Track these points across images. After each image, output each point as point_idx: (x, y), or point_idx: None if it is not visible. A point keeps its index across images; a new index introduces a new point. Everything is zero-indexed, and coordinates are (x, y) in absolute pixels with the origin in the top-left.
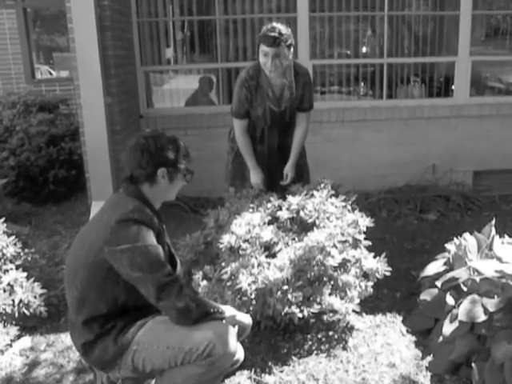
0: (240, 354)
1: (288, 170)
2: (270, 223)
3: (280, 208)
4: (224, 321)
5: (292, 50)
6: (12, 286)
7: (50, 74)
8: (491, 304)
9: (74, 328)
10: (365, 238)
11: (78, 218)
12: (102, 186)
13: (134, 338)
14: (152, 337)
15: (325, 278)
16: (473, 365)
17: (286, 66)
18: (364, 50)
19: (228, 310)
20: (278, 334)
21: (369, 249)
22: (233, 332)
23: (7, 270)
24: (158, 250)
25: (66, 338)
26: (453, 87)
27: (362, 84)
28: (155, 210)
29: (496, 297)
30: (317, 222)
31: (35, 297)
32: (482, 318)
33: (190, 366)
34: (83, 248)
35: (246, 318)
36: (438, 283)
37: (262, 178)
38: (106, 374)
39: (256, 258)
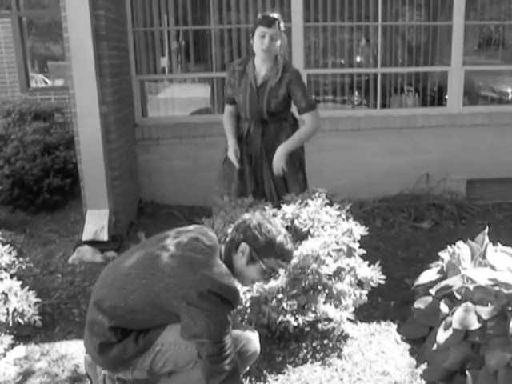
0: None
1: (276, 158)
2: None
3: (275, 217)
4: None
5: (285, 40)
6: (6, 295)
7: (45, 82)
8: (485, 312)
9: (94, 324)
10: (359, 247)
11: (72, 226)
12: (96, 194)
13: (156, 338)
14: (179, 337)
15: (319, 287)
16: (467, 373)
17: (278, 52)
18: (358, 59)
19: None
20: (273, 343)
21: (363, 257)
22: (257, 336)
23: (1, 279)
24: (230, 328)
25: (60, 347)
26: (446, 96)
27: (356, 93)
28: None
29: (489, 305)
30: (311, 231)
31: (29, 306)
32: (475, 325)
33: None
34: (157, 278)
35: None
36: (432, 291)
37: (236, 150)
38: (102, 382)
39: None
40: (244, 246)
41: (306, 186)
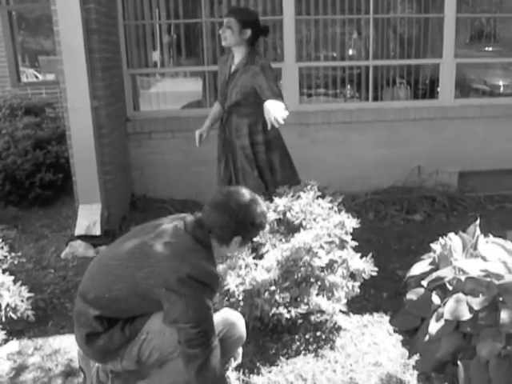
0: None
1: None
2: None
3: (267, 209)
4: None
5: (248, 33)
6: None
7: (36, 77)
8: (476, 302)
9: (81, 315)
10: (351, 239)
11: (65, 221)
12: (88, 189)
13: (142, 327)
14: (162, 324)
15: (312, 279)
16: (459, 363)
17: (234, 43)
18: (350, 52)
19: None
20: (266, 335)
21: (355, 249)
22: (243, 320)
23: None
24: (210, 313)
25: (53, 342)
26: (438, 89)
27: (348, 86)
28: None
29: (481, 295)
30: (303, 223)
31: (22, 300)
32: (467, 316)
33: None
34: (136, 264)
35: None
36: (424, 283)
37: (202, 131)
38: (95, 375)
39: (243, 259)
40: (238, 238)
41: (265, 183)
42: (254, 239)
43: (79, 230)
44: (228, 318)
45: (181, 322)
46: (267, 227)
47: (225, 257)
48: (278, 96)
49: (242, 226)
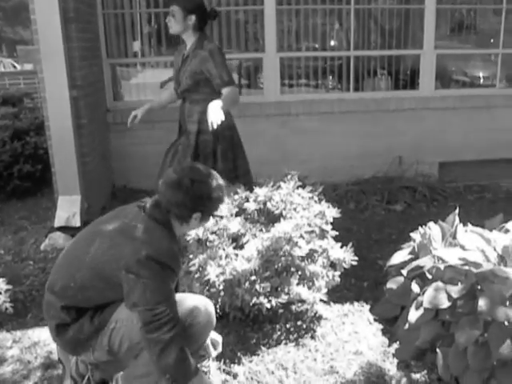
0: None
1: (212, 111)
2: (237, 215)
3: (247, 199)
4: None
5: (192, 19)
6: None
7: (14, 67)
8: (455, 291)
9: (49, 307)
10: (332, 229)
11: (44, 213)
12: (68, 180)
13: (111, 316)
14: (130, 312)
15: (292, 269)
16: (437, 350)
17: (182, 31)
18: (331, 43)
19: None
20: (247, 325)
21: (337, 239)
22: (212, 305)
23: None
24: (170, 294)
25: (32, 334)
26: (419, 80)
27: (330, 77)
28: (179, 245)
29: (459, 284)
30: (284, 213)
31: (0, 293)
32: (445, 304)
33: None
34: (98, 250)
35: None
36: (404, 272)
37: (136, 112)
38: (74, 367)
39: (224, 249)
40: (197, 214)
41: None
42: (217, 213)
43: (59, 222)
44: (194, 303)
45: (140, 304)
46: (226, 200)
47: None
48: (227, 83)
49: (199, 202)
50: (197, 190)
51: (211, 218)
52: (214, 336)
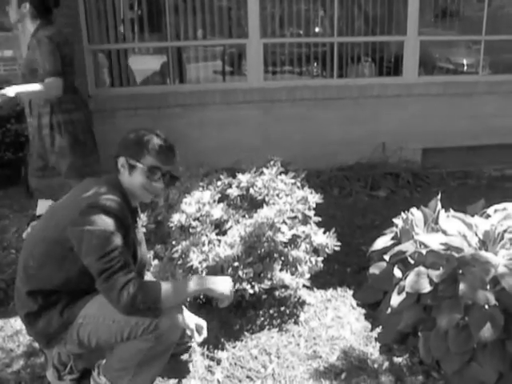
0: (204, 330)
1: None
2: (220, 201)
3: (230, 186)
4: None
5: (26, 7)
6: None
7: None
8: (436, 275)
9: (19, 296)
10: (315, 215)
11: (26, 201)
12: None
13: (80, 311)
14: (98, 310)
15: (275, 254)
16: (419, 334)
17: (19, 20)
18: (316, 29)
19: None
20: (230, 311)
21: (320, 225)
22: (180, 305)
23: None
24: (118, 241)
25: (15, 323)
26: (402, 67)
27: (314, 63)
28: (131, 205)
29: (441, 268)
30: (266, 199)
31: None
32: (427, 288)
33: (136, 340)
34: (50, 222)
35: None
36: (386, 257)
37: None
38: (57, 356)
39: (206, 235)
40: (121, 159)
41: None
42: (151, 166)
43: (40, 210)
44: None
45: (90, 254)
46: (156, 150)
47: (141, 195)
48: (49, 74)
49: (122, 145)
50: (131, 137)
51: (143, 172)
52: (198, 321)
